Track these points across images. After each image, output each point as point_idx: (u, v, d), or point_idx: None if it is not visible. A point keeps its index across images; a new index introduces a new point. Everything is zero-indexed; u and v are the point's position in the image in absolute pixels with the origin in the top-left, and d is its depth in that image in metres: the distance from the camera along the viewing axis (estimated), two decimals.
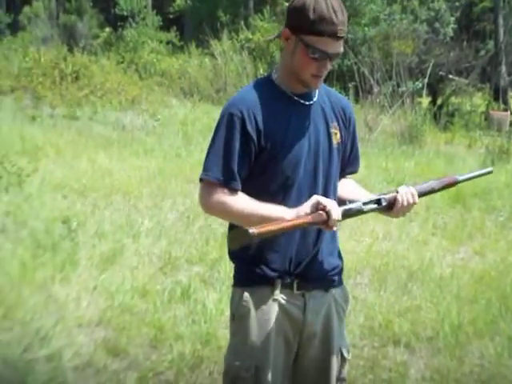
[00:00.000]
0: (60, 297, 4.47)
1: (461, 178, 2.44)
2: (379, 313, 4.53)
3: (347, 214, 2.15)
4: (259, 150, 2.19)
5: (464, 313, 4.57)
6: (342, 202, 2.32)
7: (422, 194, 2.32)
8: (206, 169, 2.21)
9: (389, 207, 2.25)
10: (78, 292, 4.58)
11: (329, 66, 2.20)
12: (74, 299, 4.46)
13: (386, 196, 2.24)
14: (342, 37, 2.15)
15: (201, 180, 2.22)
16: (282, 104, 2.25)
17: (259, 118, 2.18)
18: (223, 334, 3.80)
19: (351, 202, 2.22)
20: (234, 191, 2.18)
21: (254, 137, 2.17)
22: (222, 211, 2.23)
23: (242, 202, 2.17)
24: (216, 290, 4.74)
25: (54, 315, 4.17)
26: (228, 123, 2.18)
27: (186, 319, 4.30)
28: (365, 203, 2.21)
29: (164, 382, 3.63)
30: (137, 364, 3.76)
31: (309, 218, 2.07)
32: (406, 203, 2.24)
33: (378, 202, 2.23)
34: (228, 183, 2.17)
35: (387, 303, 4.74)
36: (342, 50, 2.20)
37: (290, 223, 2.05)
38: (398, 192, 2.25)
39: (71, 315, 4.24)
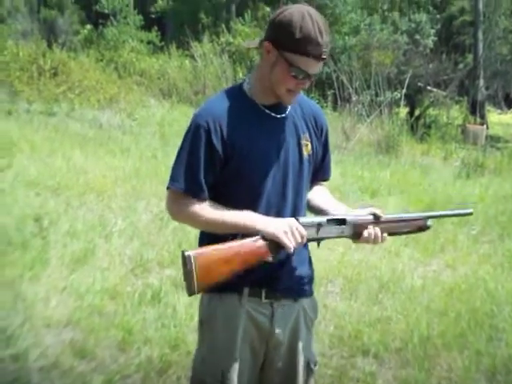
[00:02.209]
0: (28, 296, 4.42)
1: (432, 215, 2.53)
2: (349, 322, 4.53)
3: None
4: (225, 161, 2.19)
5: (433, 325, 4.59)
6: (312, 208, 2.41)
7: (391, 233, 2.33)
8: (172, 178, 2.22)
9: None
10: (47, 291, 4.53)
11: (307, 85, 2.20)
12: (42, 299, 4.42)
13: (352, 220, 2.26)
14: (324, 58, 2.14)
15: (168, 188, 2.24)
16: (252, 116, 2.24)
17: (225, 130, 2.18)
18: (192, 339, 3.77)
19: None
20: (200, 200, 2.19)
21: (219, 148, 2.17)
22: (188, 220, 2.27)
23: (208, 211, 2.18)
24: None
25: (21, 314, 4.12)
26: (194, 134, 2.19)
27: (156, 323, 4.26)
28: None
29: None
30: (104, 366, 3.72)
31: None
32: (370, 242, 2.27)
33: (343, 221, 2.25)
34: (193, 194, 2.19)
35: (358, 313, 4.74)
36: (321, 69, 2.22)
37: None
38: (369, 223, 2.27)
39: (39, 315, 4.19)
